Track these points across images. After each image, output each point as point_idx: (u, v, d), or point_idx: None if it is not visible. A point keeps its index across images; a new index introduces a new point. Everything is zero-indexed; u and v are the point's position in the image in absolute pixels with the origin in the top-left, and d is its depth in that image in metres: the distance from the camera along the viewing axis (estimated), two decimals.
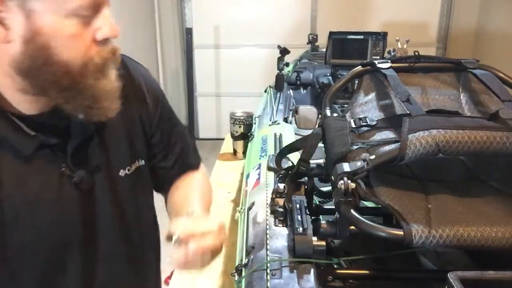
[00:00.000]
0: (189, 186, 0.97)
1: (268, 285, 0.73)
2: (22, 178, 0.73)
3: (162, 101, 0.95)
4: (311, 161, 1.02)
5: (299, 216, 0.85)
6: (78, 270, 0.84)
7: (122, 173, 0.86)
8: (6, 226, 0.73)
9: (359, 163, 0.81)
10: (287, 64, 2.45)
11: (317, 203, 1.12)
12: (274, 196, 0.97)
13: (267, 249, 0.82)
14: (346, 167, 0.82)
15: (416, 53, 1.07)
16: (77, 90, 0.70)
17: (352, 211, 0.77)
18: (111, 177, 0.84)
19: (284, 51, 2.36)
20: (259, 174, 1.27)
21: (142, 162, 0.91)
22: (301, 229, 0.81)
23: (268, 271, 0.76)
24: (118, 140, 0.85)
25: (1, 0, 0.63)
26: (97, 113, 0.73)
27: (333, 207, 0.85)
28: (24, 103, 0.73)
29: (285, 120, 1.84)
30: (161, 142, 0.95)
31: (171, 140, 0.97)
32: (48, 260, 0.80)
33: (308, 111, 1.77)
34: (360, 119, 0.96)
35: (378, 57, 2.12)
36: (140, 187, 0.92)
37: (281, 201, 0.95)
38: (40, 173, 0.75)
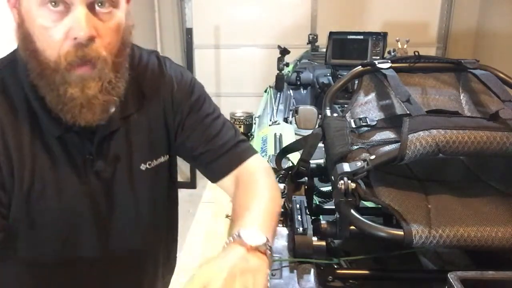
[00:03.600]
0: (250, 192, 0.85)
1: (268, 285, 0.73)
2: (53, 157, 0.79)
3: (195, 95, 0.93)
4: (311, 161, 1.02)
5: (299, 216, 0.85)
6: (94, 244, 0.88)
7: (143, 167, 0.88)
8: (35, 193, 0.79)
9: (359, 163, 0.81)
10: (287, 64, 2.45)
11: (317, 203, 1.12)
12: None
13: None
14: (346, 167, 0.82)
15: (416, 53, 1.07)
16: (50, 83, 0.72)
17: (352, 211, 0.77)
18: (131, 169, 0.87)
19: (284, 51, 2.36)
20: None
21: (166, 158, 0.92)
22: (301, 229, 0.81)
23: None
24: (141, 136, 0.87)
25: None
26: (68, 116, 0.74)
27: (333, 207, 0.85)
28: None
29: (285, 120, 1.85)
30: (194, 135, 0.91)
31: (209, 133, 0.91)
32: (67, 232, 0.85)
33: (308, 111, 1.77)
34: (360, 119, 0.96)
35: (378, 57, 2.12)
36: (159, 183, 0.93)
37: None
38: (68, 155, 0.81)
